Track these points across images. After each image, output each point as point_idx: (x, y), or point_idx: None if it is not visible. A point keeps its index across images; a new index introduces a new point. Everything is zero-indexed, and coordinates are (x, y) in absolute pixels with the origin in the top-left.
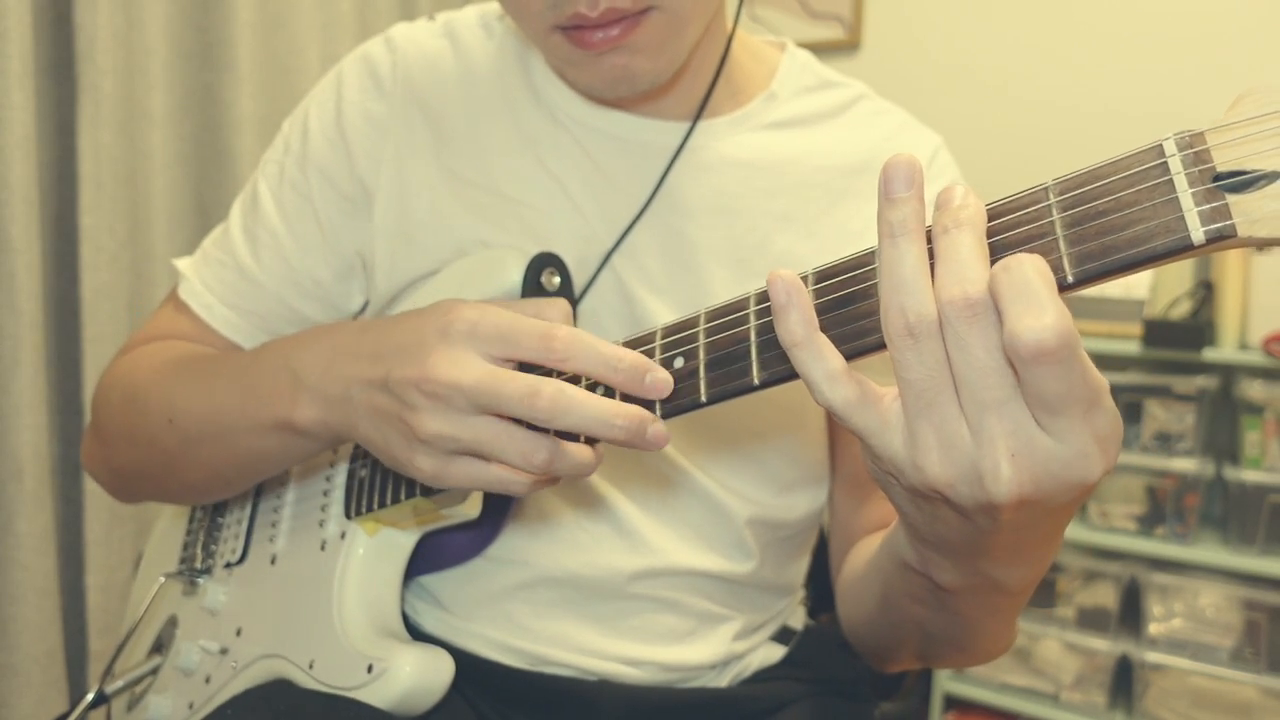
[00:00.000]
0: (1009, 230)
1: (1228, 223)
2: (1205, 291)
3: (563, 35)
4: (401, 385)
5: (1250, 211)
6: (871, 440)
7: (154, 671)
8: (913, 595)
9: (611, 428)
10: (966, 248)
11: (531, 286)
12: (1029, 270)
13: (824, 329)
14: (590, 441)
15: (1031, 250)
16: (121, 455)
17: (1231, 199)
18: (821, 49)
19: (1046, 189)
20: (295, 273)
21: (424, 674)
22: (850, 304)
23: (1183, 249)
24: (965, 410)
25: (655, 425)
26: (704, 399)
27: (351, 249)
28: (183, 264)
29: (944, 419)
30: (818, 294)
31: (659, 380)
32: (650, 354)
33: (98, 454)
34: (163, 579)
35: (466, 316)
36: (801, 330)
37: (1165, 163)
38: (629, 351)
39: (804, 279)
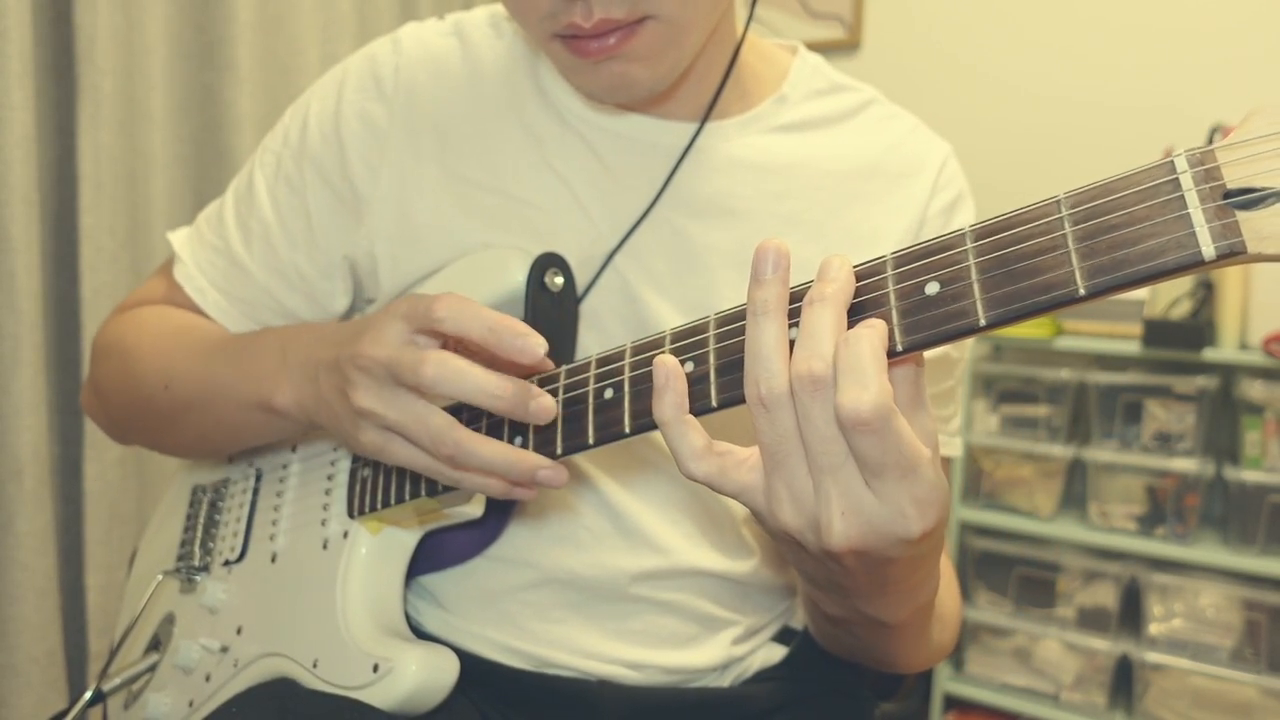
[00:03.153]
0: (1021, 242)
1: (1237, 239)
2: (1205, 292)
3: (561, 43)
4: (344, 363)
5: (1260, 229)
6: (742, 499)
7: (151, 669)
8: (821, 618)
9: (492, 398)
10: (823, 324)
11: (535, 286)
12: (864, 347)
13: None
14: (564, 454)
15: (1043, 262)
16: (117, 409)
17: (1241, 216)
18: (822, 49)
19: (1058, 202)
20: (282, 264)
21: (430, 673)
22: (860, 313)
23: (1193, 264)
24: (810, 470)
25: (538, 400)
26: (715, 404)
27: (338, 250)
28: (178, 241)
29: (793, 476)
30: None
31: (529, 345)
32: None
33: (95, 403)
34: (160, 576)
35: (402, 301)
36: (671, 413)
37: (1176, 179)
38: (506, 317)
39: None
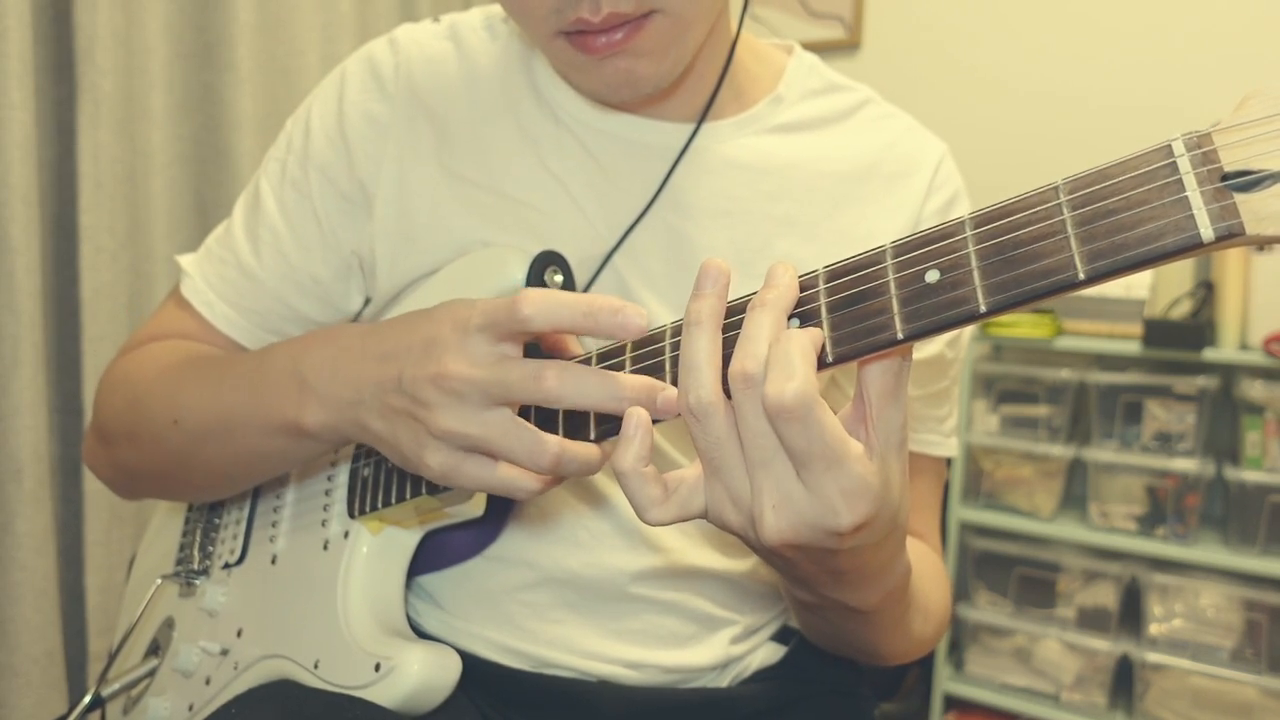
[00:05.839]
0: (1020, 229)
1: (1236, 221)
2: (1206, 291)
3: (566, 40)
4: (416, 383)
5: (1257, 210)
6: (706, 517)
7: (151, 674)
8: (798, 606)
9: (620, 400)
10: (761, 327)
11: (535, 285)
12: (793, 344)
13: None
14: (599, 439)
15: (1043, 248)
16: (124, 454)
17: (1239, 198)
18: (822, 49)
19: (1056, 188)
20: (295, 271)
21: (432, 672)
22: (860, 301)
23: (1192, 246)
24: (746, 467)
25: (664, 392)
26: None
27: (349, 249)
28: (186, 261)
29: (731, 479)
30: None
31: (629, 317)
32: (660, 352)
33: (99, 452)
34: (159, 581)
35: (459, 311)
36: (631, 464)
37: (1174, 162)
38: (589, 295)
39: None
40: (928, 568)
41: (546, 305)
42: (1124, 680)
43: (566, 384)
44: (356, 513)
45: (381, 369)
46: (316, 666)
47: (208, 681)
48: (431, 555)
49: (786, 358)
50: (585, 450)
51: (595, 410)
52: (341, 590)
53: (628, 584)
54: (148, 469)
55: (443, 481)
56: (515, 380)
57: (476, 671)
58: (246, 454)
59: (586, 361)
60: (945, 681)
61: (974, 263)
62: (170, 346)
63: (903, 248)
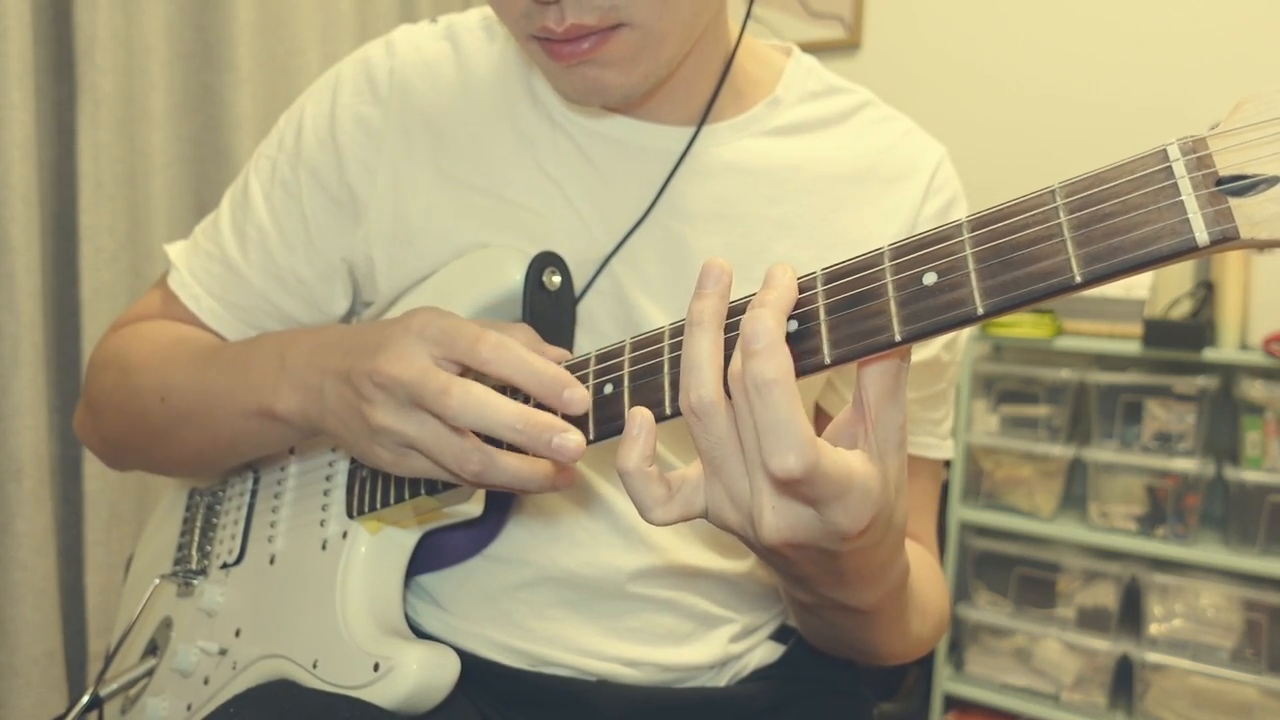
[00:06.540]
0: (1017, 231)
1: (1230, 225)
2: (1206, 291)
3: (538, 44)
4: (359, 378)
5: (1252, 214)
6: (706, 517)
7: (149, 674)
8: (797, 606)
9: (513, 431)
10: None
11: (533, 285)
12: (776, 400)
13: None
14: (597, 439)
15: (1040, 250)
16: (112, 427)
17: (1234, 202)
18: (822, 49)
19: (1053, 191)
20: (280, 269)
21: (431, 671)
22: (858, 303)
23: (1188, 250)
24: (746, 468)
25: (562, 435)
26: None
27: (336, 254)
28: (174, 252)
29: (731, 477)
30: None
31: (576, 396)
32: (659, 353)
33: (89, 423)
34: (157, 581)
35: (421, 317)
36: (635, 463)
37: (1170, 167)
38: (551, 365)
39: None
40: (925, 569)
41: (501, 356)
42: (1124, 680)
43: (467, 403)
44: (355, 513)
45: (340, 361)
46: (315, 666)
47: (206, 681)
48: (430, 555)
49: (775, 424)
50: (515, 464)
51: (490, 434)
52: (340, 590)
53: (626, 582)
54: (133, 441)
55: (394, 472)
56: (429, 389)
57: (476, 671)
58: (225, 434)
59: (584, 362)
60: (945, 681)
61: (971, 265)
62: (160, 326)
63: (900, 250)
